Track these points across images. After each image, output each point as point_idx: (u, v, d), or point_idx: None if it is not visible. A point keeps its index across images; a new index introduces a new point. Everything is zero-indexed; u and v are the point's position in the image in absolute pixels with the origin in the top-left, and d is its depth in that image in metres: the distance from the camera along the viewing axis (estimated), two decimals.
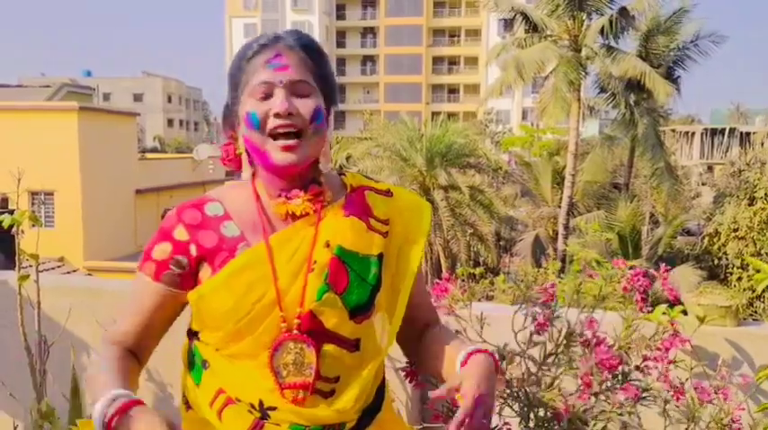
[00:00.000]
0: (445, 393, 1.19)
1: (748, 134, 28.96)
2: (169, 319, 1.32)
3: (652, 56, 18.79)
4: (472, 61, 58.24)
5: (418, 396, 2.17)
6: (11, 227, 2.30)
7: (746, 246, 15.26)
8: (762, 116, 35.97)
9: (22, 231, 2.35)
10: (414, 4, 58.73)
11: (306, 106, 1.21)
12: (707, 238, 17.33)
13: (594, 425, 1.67)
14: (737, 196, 16.92)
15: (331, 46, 59.10)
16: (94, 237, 17.29)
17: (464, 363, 1.24)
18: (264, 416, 1.23)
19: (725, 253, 16.02)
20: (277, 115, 1.19)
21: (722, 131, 30.19)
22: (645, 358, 1.76)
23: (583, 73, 18.07)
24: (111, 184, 17.87)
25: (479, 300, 1.82)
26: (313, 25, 56.69)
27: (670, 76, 18.89)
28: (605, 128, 27.36)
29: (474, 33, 58.77)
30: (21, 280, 2.30)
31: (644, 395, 1.69)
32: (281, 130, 1.20)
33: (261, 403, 1.23)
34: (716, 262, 16.48)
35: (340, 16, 61.59)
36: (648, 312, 1.85)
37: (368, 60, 61.85)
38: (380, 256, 1.28)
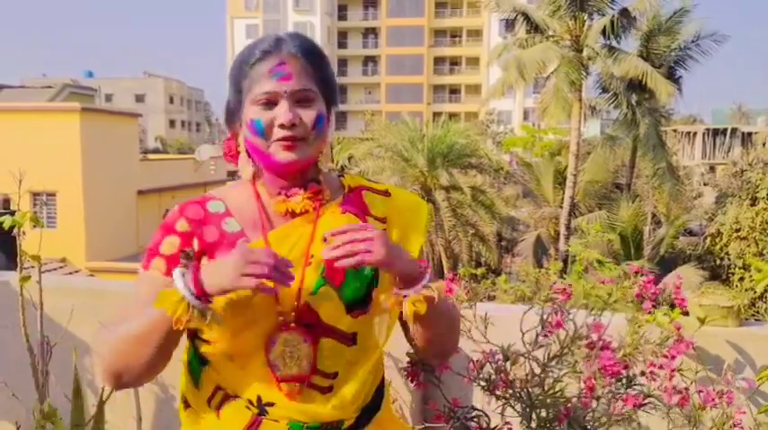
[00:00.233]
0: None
1: (750, 134, 28.96)
2: None
3: (653, 56, 18.78)
4: (474, 62, 58.25)
5: (420, 396, 2.17)
6: (12, 228, 2.31)
7: (748, 246, 15.25)
8: (764, 116, 35.94)
9: (24, 232, 2.35)
10: (415, 4, 58.76)
11: (309, 115, 1.24)
12: (709, 239, 17.31)
13: (596, 429, 1.67)
14: (739, 196, 16.91)
15: (332, 46, 59.13)
16: (96, 237, 17.30)
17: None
18: (262, 412, 1.24)
19: (727, 253, 16.00)
20: (282, 126, 1.22)
21: (724, 131, 30.18)
22: (651, 364, 1.76)
23: (584, 73, 18.08)
24: (113, 185, 17.88)
25: (481, 301, 1.81)
26: (315, 26, 56.73)
27: (671, 76, 18.88)
28: (607, 128, 27.35)
29: (475, 34, 58.79)
30: (23, 281, 2.30)
31: (646, 401, 1.69)
32: (285, 141, 1.23)
33: (259, 399, 1.24)
34: (718, 262, 16.47)
35: (342, 17, 61.63)
36: (649, 313, 1.85)
37: (369, 61, 61.89)
38: None
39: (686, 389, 1.80)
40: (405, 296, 1.21)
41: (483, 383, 1.73)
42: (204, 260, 1.24)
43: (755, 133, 28.32)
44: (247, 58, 1.25)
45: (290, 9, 58.10)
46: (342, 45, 61.74)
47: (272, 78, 1.22)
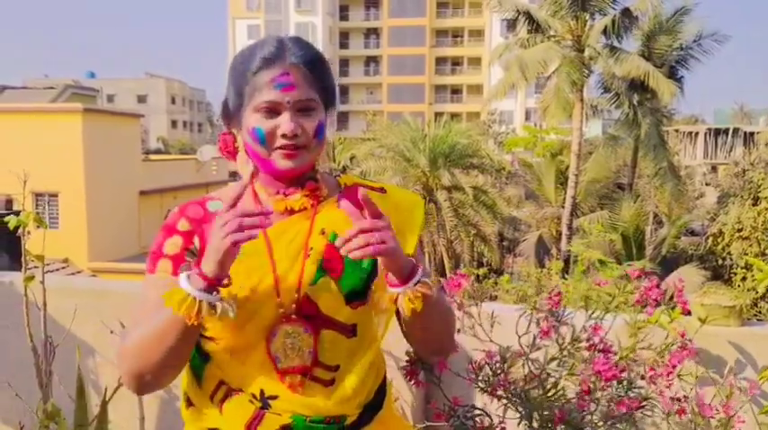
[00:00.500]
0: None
1: (752, 134, 28.90)
2: None
3: (655, 56, 18.76)
4: (475, 62, 58.20)
5: (422, 395, 2.18)
6: (16, 228, 2.31)
7: (750, 246, 15.23)
8: (766, 116, 35.90)
9: (29, 232, 2.36)
10: (417, 4, 58.72)
11: (310, 125, 1.26)
12: (711, 239, 17.30)
13: None
14: (741, 196, 16.90)
15: (334, 47, 59.12)
16: (98, 238, 17.32)
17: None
18: (265, 406, 1.25)
19: (729, 253, 15.99)
20: (284, 135, 1.24)
21: (726, 131, 30.12)
22: (652, 369, 1.77)
23: (586, 73, 18.07)
24: (115, 186, 17.90)
25: (484, 300, 1.82)
26: (316, 26, 56.74)
27: (673, 76, 18.88)
28: (608, 128, 27.35)
29: (477, 34, 58.74)
30: (26, 281, 2.31)
31: (644, 404, 1.69)
32: (286, 149, 1.25)
33: (262, 392, 1.26)
34: (720, 262, 16.46)
35: (343, 17, 61.60)
36: (649, 313, 1.85)
37: (371, 61, 61.86)
38: None
39: (685, 397, 1.80)
40: (400, 292, 1.22)
41: (482, 385, 1.73)
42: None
43: (757, 133, 28.26)
44: (249, 65, 1.26)
45: (291, 10, 58.07)
46: (343, 45, 61.71)
47: (276, 88, 1.24)
